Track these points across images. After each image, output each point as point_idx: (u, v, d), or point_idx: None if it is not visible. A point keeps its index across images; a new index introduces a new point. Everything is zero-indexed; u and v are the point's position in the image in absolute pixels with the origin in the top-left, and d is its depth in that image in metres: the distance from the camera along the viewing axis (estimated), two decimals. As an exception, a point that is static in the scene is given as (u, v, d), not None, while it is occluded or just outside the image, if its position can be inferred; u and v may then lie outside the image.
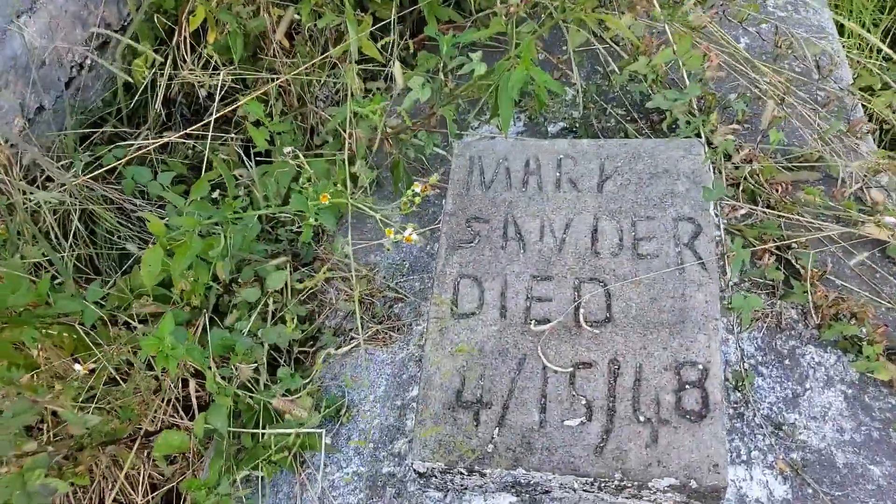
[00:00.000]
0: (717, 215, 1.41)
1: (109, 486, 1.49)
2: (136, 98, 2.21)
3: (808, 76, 1.89)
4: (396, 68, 1.61)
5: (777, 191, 1.60)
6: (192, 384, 1.50)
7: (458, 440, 1.20)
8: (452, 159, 1.50)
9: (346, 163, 1.39)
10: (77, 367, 1.36)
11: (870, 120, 1.97)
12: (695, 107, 1.71)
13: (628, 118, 1.82)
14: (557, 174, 1.44)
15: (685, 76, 1.74)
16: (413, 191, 1.26)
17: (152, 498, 1.59)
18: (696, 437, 1.15)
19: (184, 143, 2.26)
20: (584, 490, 1.20)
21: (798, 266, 1.48)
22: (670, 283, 1.29)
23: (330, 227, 1.32)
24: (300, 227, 1.78)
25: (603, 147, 1.46)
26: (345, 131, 1.57)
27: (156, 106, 2.28)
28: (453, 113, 1.56)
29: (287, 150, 1.32)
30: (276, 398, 1.30)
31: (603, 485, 1.17)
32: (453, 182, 1.45)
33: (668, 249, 1.32)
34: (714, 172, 1.42)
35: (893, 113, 1.93)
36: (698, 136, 1.55)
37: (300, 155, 1.36)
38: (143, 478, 1.58)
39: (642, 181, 1.40)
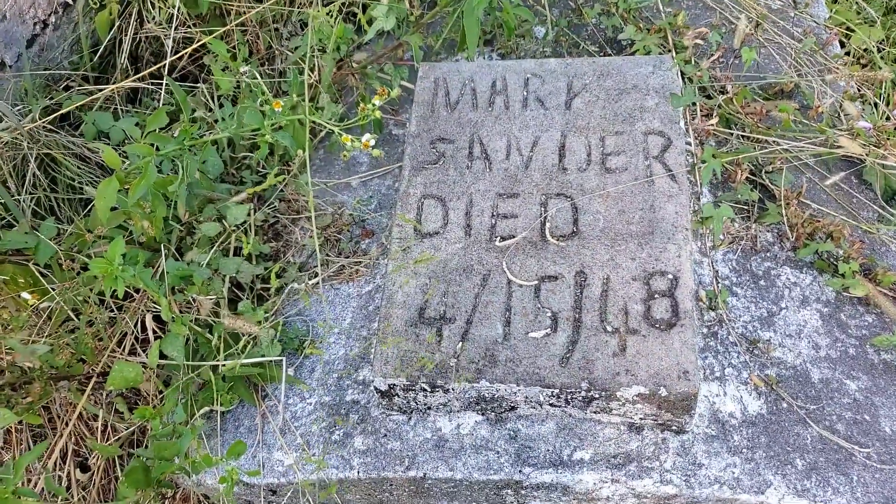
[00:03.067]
0: (687, 128, 1.37)
1: (63, 426, 1.43)
2: (103, 57, 2.15)
3: (785, 12, 1.85)
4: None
5: (752, 119, 1.56)
6: (150, 318, 1.44)
7: (421, 356, 1.16)
8: (417, 81, 1.45)
9: (306, 85, 1.33)
10: (25, 295, 1.30)
11: (847, 55, 1.94)
12: (670, 42, 1.68)
13: (601, 53, 1.78)
14: (524, 93, 1.40)
15: (660, 5, 1.71)
16: (373, 103, 1.21)
17: (115, 442, 1.53)
18: (665, 345, 1.11)
19: (151, 98, 2.20)
20: (550, 405, 1.16)
21: (772, 188, 1.45)
22: (639, 196, 1.25)
23: (287, 145, 1.27)
24: (265, 168, 1.73)
25: (571, 65, 1.42)
26: (305, 62, 1.52)
27: (122, 61, 2.22)
28: (419, 40, 1.51)
29: (243, 68, 1.27)
30: (226, 317, 1.25)
31: (570, 397, 1.13)
32: (417, 104, 1.41)
33: (637, 163, 1.28)
34: (689, 85, 1.38)
35: (866, 51, 1.90)
36: (666, 48, 1.51)
37: (257, 75, 1.31)
38: (100, 422, 1.52)
39: (611, 97, 1.36)
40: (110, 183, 1.43)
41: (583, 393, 1.11)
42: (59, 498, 1.47)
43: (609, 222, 1.23)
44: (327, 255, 1.58)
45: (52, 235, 1.52)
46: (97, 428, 1.53)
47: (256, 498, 1.35)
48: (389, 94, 1.20)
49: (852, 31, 1.93)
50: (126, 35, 2.18)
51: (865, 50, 1.92)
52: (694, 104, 1.57)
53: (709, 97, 1.63)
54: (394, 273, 1.25)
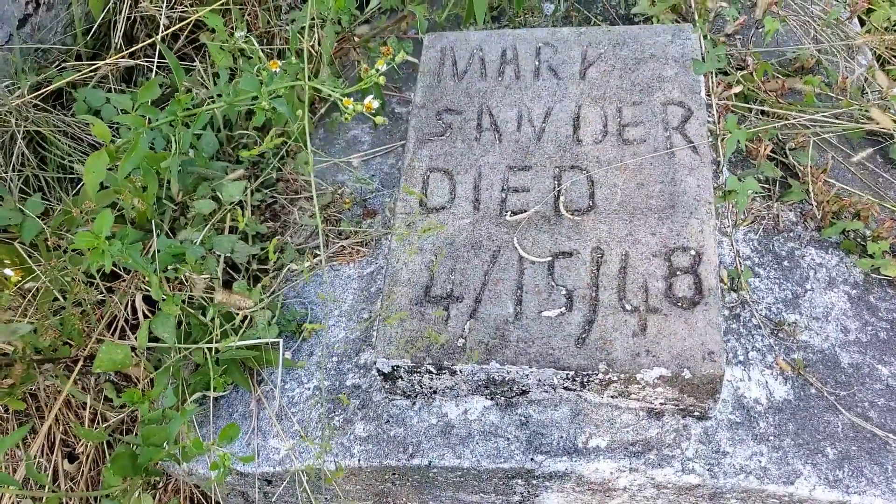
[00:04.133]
0: (710, 98, 1.29)
1: (48, 412, 1.36)
2: (97, 37, 2.08)
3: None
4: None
5: (772, 95, 1.49)
6: (140, 299, 1.37)
7: (426, 335, 1.08)
8: (422, 51, 1.38)
9: (305, 49, 1.26)
10: (7, 271, 1.22)
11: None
12: (693, 5, 1.60)
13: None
14: (536, 63, 1.32)
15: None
16: (376, 68, 1.13)
17: (104, 430, 1.46)
18: (688, 324, 1.04)
19: (146, 78, 2.13)
20: (564, 388, 1.08)
21: (795, 165, 1.37)
22: (659, 168, 1.17)
23: (284, 112, 1.19)
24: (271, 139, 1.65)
25: (584, 34, 1.35)
26: (305, 33, 1.45)
27: (117, 40, 2.15)
28: (424, 10, 1.44)
29: (239, 34, 1.19)
30: (219, 292, 1.18)
31: (586, 380, 1.05)
32: (423, 73, 1.34)
33: (656, 134, 1.21)
34: (711, 52, 1.31)
35: (886, 29, 1.83)
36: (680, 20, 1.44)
37: (253, 41, 1.24)
38: (89, 409, 1.45)
39: (627, 67, 1.29)
40: (100, 156, 1.36)
41: (600, 375, 1.03)
42: (45, 488, 1.40)
43: (627, 196, 1.16)
44: (327, 235, 1.51)
45: (38, 212, 1.45)
46: (86, 416, 1.45)
47: (251, 488, 1.28)
48: (394, 58, 1.12)
49: (873, 9, 1.86)
50: (121, 15, 2.11)
51: (886, 29, 1.85)
52: (715, 73, 1.50)
53: (726, 73, 1.56)
54: (398, 249, 1.18)
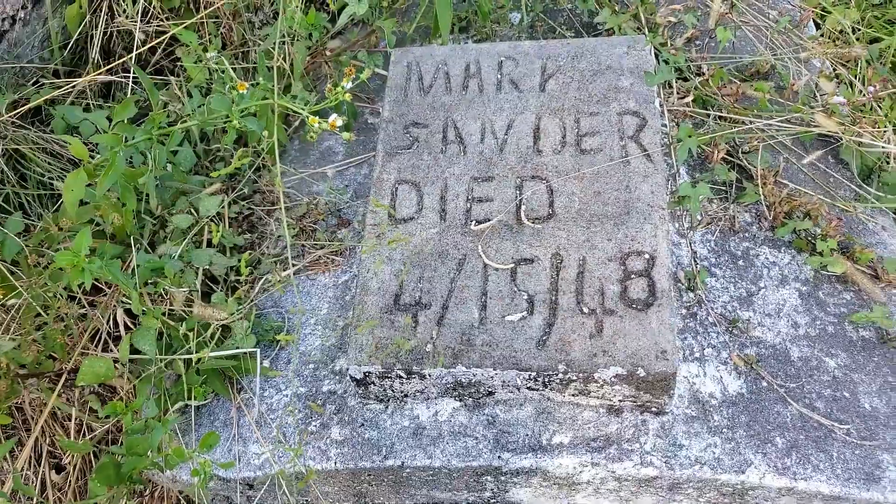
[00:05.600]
0: (662, 109, 1.35)
1: (34, 425, 1.40)
2: (74, 52, 2.10)
3: (759, -5, 1.85)
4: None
5: (729, 100, 1.55)
6: (121, 313, 1.41)
7: (396, 342, 1.14)
8: (390, 66, 1.43)
9: (275, 70, 1.31)
10: (-11, 289, 1.26)
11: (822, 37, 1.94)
12: (643, 21, 1.67)
13: (578, 38, 1.76)
14: (498, 76, 1.38)
15: (632, -11, 1.69)
16: (342, 86, 1.18)
17: (89, 440, 1.50)
18: (642, 325, 1.10)
19: (124, 93, 2.16)
20: (528, 388, 1.14)
21: (750, 168, 1.44)
22: (615, 176, 1.23)
23: (254, 129, 1.24)
24: (244, 154, 1.70)
25: (545, 47, 1.40)
26: (276, 50, 1.49)
27: (94, 55, 2.18)
28: (392, 26, 1.49)
29: (210, 54, 1.24)
30: (196, 306, 1.22)
31: (548, 379, 1.11)
32: (390, 88, 1.39)
33: (612, 143, 1.27)
34: (659, 63, 1.37)
35: (841, 32, 1.90)
36: (640, 30, 1.50)
37: (224, 61, 1.28)
38: (74, 421, 1.49)
39: (585, 78, 1.35)
40: (78, 175, 1.40)
41: (560, 375, 1.09)
42: (33, 499, 1.44)
43: (585, 204, 1.21)
44: (303, 245, 1.56)
45: (19, 230, 1.48)
46: (72, 427, 1.49)
47: (234, 492, 1.33)
48: (359, 76, 1.17)
49: (828, 12, 1.93)
50: (97, 29, 2.14)
51: (841, 31, 1.92)
52: (670, 85, 1.57)
53: (685, 79, 1.62)
54: (368, 260, 1.23)
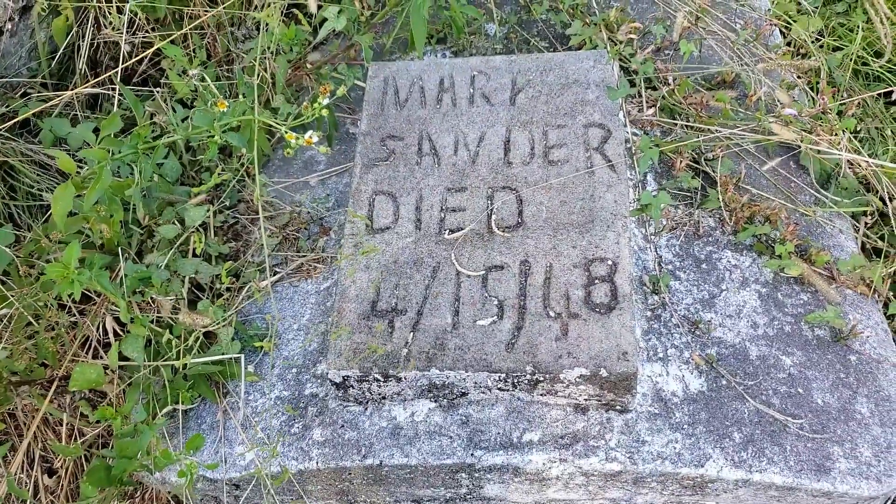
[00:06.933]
0: (625, 120, 1.42)
1: (27, 430, 1.45)
2: (62, 63, 2.15)
3: (727, 4, 1.91)
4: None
5: (695, 109, 1.62)
6: (110, 321, 1.46)
7: (373, 347, 1.19)
8: (367, 80, 1.48)
9: (255, 85, 1.36)
10: (-18, 302, 1.31)
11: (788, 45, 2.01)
12: (604, 37, 1.73)
13: (551, 49, 1.82)
14: (471, 90, 1.44)
15: (599, 1, 1.75)
16: (319, 101, 1.24)
17: (80, 444, 1.55)
18: (605, 328, 1.16)
19: (111, 104, 2.21)
20: (499, 389, 1.20)
21: (714, 174, 1.50)
22: (580, 186, 1.29)
23: (236, 144, 1.29)
24: (225, 170, 1.75)
25: (515, 62, 1.46)
26: (257, 64, 1.54)
27: (81, 66, 2.22)
28: (370, 40, 1.54)
29: (193, 71, 1.29)
30: (182, 313, 1.27)
31: (517, 380, 1.17)
32: (368, 102, 1.44)
33: (578, 154, 1.33)
34: (623, 78, 1.43)
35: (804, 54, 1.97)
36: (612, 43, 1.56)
37: (206, 77, 1.33)
38: (65, 426, 1.54)
39: (553, 92, 1.41)
40: (66, 188, 1.45)
41: (528, 376, 1.15)
42: (26, 502, 1.49)
43: (552, 213, 1.27)
44: (286, 253, 1.61)
45: (9, 242, 1.53)
46: (63, 432, 1.54)
47: (221, 493, 1.38)
48: (335, 92, 1.23)
49: (794, 20, 2.00)
50: (84, 41, 2.18)
51: (804, 48, 1.99)
52: (639, 95, 1.63)
53: (654, 89, 1.68)
54: (346, 268, 1.29)
